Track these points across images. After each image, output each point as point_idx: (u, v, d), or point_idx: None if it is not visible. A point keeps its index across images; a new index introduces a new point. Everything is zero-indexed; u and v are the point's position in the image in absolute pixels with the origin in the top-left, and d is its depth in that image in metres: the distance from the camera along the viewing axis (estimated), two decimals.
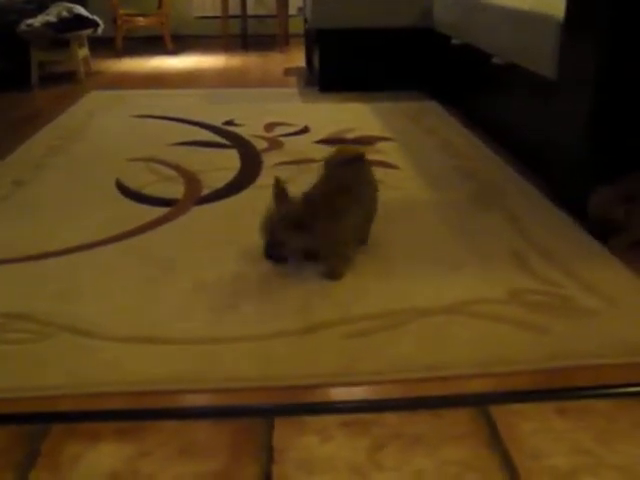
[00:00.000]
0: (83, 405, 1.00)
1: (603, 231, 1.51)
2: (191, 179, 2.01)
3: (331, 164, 1.45)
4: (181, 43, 5.34)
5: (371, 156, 1.83)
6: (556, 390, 1.03)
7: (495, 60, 2.31)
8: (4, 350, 1.14)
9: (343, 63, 3.26)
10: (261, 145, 2.37)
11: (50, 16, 3.62)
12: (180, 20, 5.63)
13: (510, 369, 1.07)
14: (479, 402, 0.99)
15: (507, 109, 2.32)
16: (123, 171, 2.08)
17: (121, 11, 4.96)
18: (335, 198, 1.36)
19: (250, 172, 2.07)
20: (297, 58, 4.57)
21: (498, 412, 0.97)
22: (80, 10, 3.77)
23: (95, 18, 3.85)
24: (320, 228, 1.32)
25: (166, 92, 3.49)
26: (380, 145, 2.35)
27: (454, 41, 2.83)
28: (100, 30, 3.92)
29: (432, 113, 2.84)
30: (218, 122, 2.71)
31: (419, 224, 1.65)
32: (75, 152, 2.32)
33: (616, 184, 1.50)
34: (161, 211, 1.75)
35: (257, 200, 1.54)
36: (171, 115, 2.84)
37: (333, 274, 1.36)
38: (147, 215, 1.72)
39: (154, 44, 5.18)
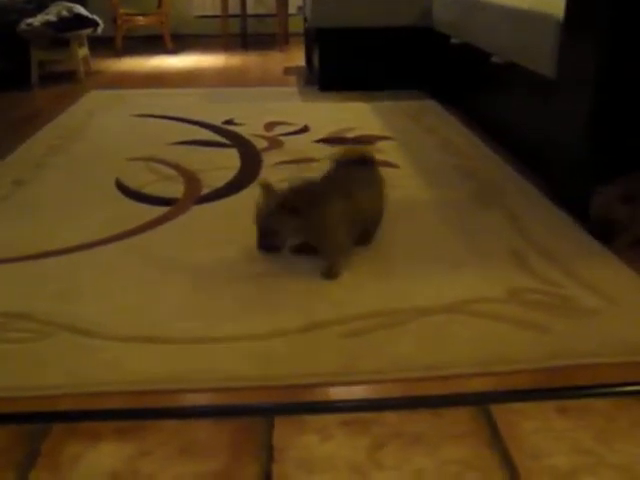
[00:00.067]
0: (83, 405, 1.00)
1: (605, 231, 1.51)
2: (191, 178, 2.01)
3: (339, 163, 1.47)
4: (181, 42, 5.34)
5: None
6: (556, 389, 1.03)
7: (495, 59, 2.31)
8: (4, 349, 1.14)
9: (343, 62, 3.26)
10: (261, 144, 2.37)
11: (50, 15, 3.62)
12: (180, 19, 5.63)
13: (510, 368, 1.07)
14: (479, 401, 0.99)
15: (507, 108, 2.32)
16: (123, 170, 2.08)
17: (121, 10, 4.96)
18: (318, 186, 1.39)
19: (250, 171, 2.07)
20: (297, 57, 4.57)
21: (498, 411, 0.97)
22: (80, 9, 3.77)
23: (95, 17, 3.85)
24: (305, 210, 1.33)
25: (166, 91, 3.48)
26: (380, 144, 2.35)
27: (454, 40, 2.83)
28: (100, 29, 3.92)
29: (432, 112, 2.84)
30: (218, 121, 2.71)
31: (419, 223, 1.65)
32: (75, 152, 2.32)
33: (616, 184, 1.50)
34: (161, 210, 1.75)
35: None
36: (171, 114, 2.84)
37: (330, 273, 1.37)
38: (147, 214, 1.72)
39: (154, 43, 5.18)
